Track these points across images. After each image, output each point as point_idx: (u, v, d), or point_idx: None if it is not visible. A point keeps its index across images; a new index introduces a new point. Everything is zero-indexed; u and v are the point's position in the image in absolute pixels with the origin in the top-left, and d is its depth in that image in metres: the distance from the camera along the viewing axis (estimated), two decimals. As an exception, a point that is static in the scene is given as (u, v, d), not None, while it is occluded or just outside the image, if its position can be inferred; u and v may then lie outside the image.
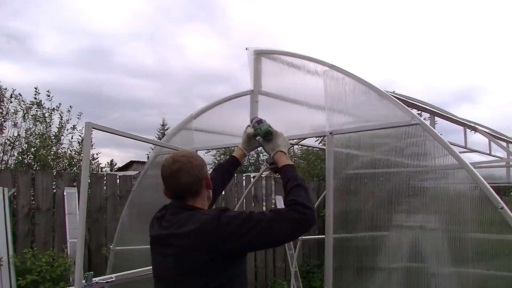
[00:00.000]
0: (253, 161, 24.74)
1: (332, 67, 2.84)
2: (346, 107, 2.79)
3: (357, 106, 2.75)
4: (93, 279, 2.76)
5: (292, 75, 3.16)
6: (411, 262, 2.57)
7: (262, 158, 23.11)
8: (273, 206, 9.79)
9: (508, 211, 2.03)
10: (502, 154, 6.69)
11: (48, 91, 8.97)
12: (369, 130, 2.66)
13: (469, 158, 6.24)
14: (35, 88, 8.89)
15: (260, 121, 2.71)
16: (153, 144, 4.34)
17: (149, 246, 2.37)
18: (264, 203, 9.69)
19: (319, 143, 8.12)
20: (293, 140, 3.18)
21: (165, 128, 49.16)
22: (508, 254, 2.18)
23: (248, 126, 2.84)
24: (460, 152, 7.50)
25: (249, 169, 23.77)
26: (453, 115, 4.78)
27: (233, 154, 2.86)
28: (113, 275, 3.04)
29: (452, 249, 2.37)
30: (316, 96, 2.96)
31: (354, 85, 2.72)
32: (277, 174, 2.68)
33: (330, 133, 2.83)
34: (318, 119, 2.95)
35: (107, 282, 2.99)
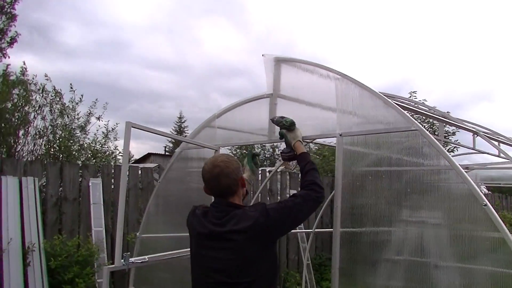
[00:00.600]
0: (268, 156, 25.03)
1: (343, 75, 3.18)
2: (354, 112, 3.14)
3: (364, 112, 3.08)
4: (131, 259, 3.13)
5: (307, 81, 3.52)
6: (412, 256, 2.87)
7: (277, 153, 23.38)
8: (287, 200, 10.10)
9: (491, 208, 2.32)
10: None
11: (71, 85, 9.39)
12: (375, 133, 3.00)
13: (484, 158, 6.48)
14: (45, 75, 9.25)
15: (282, 117, 3.26)
16: (182, 141, 4.67)
17: (174, 234, 2.78)
18: (279, 197, 10.00)
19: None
20: (308, 139, 3.51)
21: (182, 121, 49.71)
22: (491, 250, 2.46)
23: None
24: (469, 153, 7.78)
25: (265, 163, 24.05)
26: (458, 120, 5.07)
27: None
28: (145, 257, 3.42)
29: (444, 243, 2.69)
30: (328, 100, 3.32)
31: (362, 93, 3.06)
32: (290, 162, 3.31)
33: (340, 135, 3.17)
34: (329, 121, 3.30)
35: (141, 262, 3.37)
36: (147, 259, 3.40)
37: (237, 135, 4.07)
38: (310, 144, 10.84)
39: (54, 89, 9.18)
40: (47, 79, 9.24)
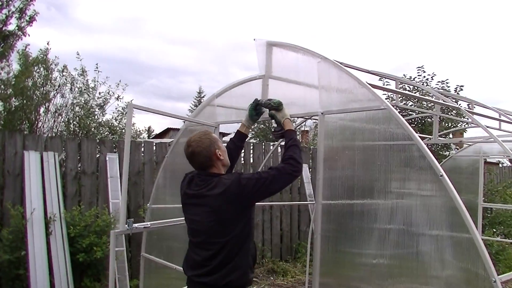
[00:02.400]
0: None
1: (324, 58, 3.46)
2: (334, 92, 3.43)
3: (343, 92, 3.35)
4: (134, 225, 3.53)
5: (294, 63, 3.81)
6: (384, 224, 3.17)
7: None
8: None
9: (447, 179, 2.59)
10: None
11: (97, 65, 9.76)
12: (351, 112, 3.29)
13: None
14: (77, 53, 9.63)
15: (269, 99, 3.55)
16: (185, 120, 5.00)
17: (180, 205, 3.16)
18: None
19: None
20: (294, 117, 3.82)
21: (202, 96, 50.09)
22: (448, 217, 2.73)
23: (251, 104, 3.70)
24: (473, 127, 7.92)
25: (271, 137, 24.28)
26: (452, 95, 5.30)
27: (239, 130, 3.72)
28: (148, 223, 3.83)
29: (411, 212, 2.99)
30: (312, 81, 3.61)
31: (340, 74, 3.33)
32: (280, 139, 3.47)
33: (322, 113, 3.47)
34: (313, 100, 3.59)
35: (144, 227, 3.78)
36: (149, 225, 3.79)
37: (235, 113, 4.39)
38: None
39: (82, 70, 9.54)
40: (78, 58, 9.65)
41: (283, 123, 3.42)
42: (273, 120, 3.54)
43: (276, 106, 3.44)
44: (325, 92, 3.47)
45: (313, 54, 3.55)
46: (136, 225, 3.64)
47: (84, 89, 9.34)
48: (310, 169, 10.56)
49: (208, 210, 2.95)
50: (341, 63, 3.53)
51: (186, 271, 3.15)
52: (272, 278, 8.74)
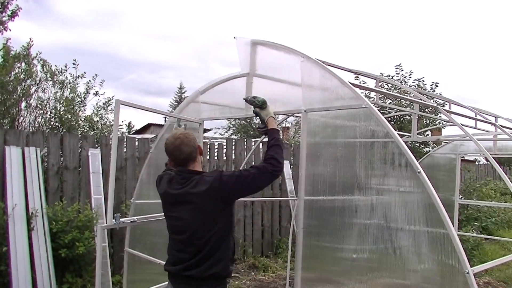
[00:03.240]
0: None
1: (307, 57, 3.56)
2: (317, 90, 3.53)
3: (325, 90, 3.45)
4: (121, 219, 3.63)
5: (278, 62, 3.91)
6: (364, 219, 3.28)
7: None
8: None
9: (425, 175, 2.70)
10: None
11: (75, 60, 9.68)
12: (333, 110, 3.40)
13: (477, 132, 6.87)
14: (74, 60, 9.57)
15: (254, 96, 3.57)
16: (171, 116, 5.05)
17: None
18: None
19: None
20: (278, 114, 3.91)
21: (183, 91, 49.90)
22: (425, 213, 2.85)
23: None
24: (449, 125, 8.13)
25: (256, 133, 24.35)
26: (428, 93, 5.44)
27: None
28: (135, 217, 3.91)
29: (391, 207, 3.11)
30: (296, 79, 3.70)
31: (323, 73, 3.42)
32: (263, 135, 3.61)
33: (305, 111, 3.56)
34: (296, 98, 3.68)
35: (131, 222, 3.85)
36: (136, 220, 3.86)
37: (219, 109, 4.46)
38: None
39: (63, 69, 9.49)
40: (74, 66, 9.62)
41: (267, 121, 3.47)
42: (257, 117, 3.61)
43: (260, 104, 3.51)
44: (308, 91, 3.57)
45: (296, 53, 3.65)
46: (123, 219, 3.71)
47: (66, 84, 9.27)
48: (292, 166, 10.67)
49: (193, 207, 3.05)
50: (323, 62, 3.63)
51: (168, 267, 3.23)
52: (253, 273, 8.83)
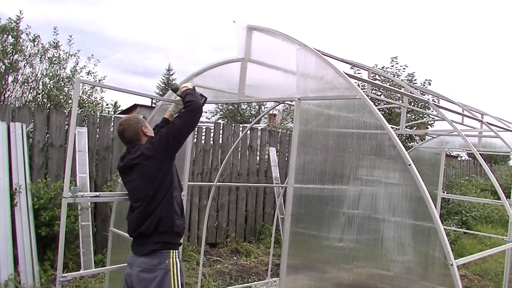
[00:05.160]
0: (254, 113, 25.30)
1: (303, 45, 3.55)
2: (312, 79, 3.53)
3: (320, 79, 3.45)
4: (81, 193, 3.66)
5: (274, 48, 3.90)
6: (351, 209, 3.33)
7: (263, 110, 23.64)
8: (266, 156, 10.53)
9: (415, 168, 2.74)
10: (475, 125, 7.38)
11: (70, 36, 9.56)
12: (327, 99, 3.41)
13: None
14: (54, 28, 9.41)
15: (172, 84, 4.07)
16: (159, 99, 5.05)
17: None
18: (258, 153, 10.42)
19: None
20: (271, 101, 3.93)
21: (171, 73, 49.52)
22: (412, 205, 2.90)
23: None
24: (438, 120, 8.22)
25: (250, 120, 24.31)
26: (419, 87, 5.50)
27: (165, 116, 4.16)
28: (98, 192, 3.98)
29: (379, 198, 3.15)
30: (290, 66, 3.70)
31: (318, 62, 3.43)
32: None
33: (299, 99, 3.57)
34: (290, 86, 3.69)
35: (91, 197, 4.22)
36: (99, 195, 4.03)
37: (212, 93, 4.46)
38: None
39: (55, 43, 9.33)
40: (55, 33, 9.47)
41: (181, 93, 3.89)
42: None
43: (173, 91, 4.02)
44: (302, 78, 3.57)
45: (292, 40, 3.64)
46: (83, 193, 3.77)
47: (55, 61, 9.14)
48: (278, 153, 10.70)
49: (136, 172, 3.56)
50: (318, 51, 3.63)
51: (130, 232, 3.68)
52: (235, 258, 8.89)
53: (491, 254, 4.25)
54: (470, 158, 20.75)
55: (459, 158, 21.38)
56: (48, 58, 9.06)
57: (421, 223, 2.85)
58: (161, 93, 44.26)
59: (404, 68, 13.28)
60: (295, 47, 3.61)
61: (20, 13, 8.92)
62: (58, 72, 9.13)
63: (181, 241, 3.79)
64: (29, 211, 6.29)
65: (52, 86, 8.78)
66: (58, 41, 9.36)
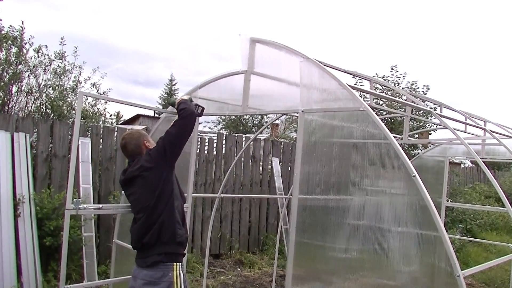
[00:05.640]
0: (256, 123, 25.35)
1: (306, 58, 3.58)
2: (315, 91, 3.55)
3: (323, 91, 3.47)
4: (83, 205, 3.76)
5: (277, 61, 3.93)
6: (356, 220, 3.33)
7: (265, 120, 23.68)
8: (269, 166, 10.52)
9: (419, 179, 2.74)
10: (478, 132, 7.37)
11: (76, 47, 9.60)
12: (331, 111, 3.43)
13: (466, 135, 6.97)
14: (61, 38, 9.45)
15: (170, 99, 3.98)
16: (162, 112, 5.08)
17: None
18: (261, 163, 10.42)
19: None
20: (276, 113, 3.95)
21: (173, 83, 49.65)
22: (417, 215, 2.90)
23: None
24: (441, 128, 8.22)
25: (253, 129, 24.35)
26: (420, 96, 5.50)
27: None
28: (101, 205, 4.03)
29: (384, 209, 3.15)
30: (294, 79, 3.72)
31: (322, 74, 3.45)
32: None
33: (302, 111, 3.58)
34: (294, 98, 3.71)
35: (94, 209, 4.28)
36: (102, 207, 4.16)
37: (216, 105, 4.48)
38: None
39: (61, 53, 9.36)
40: (62, 44, 9.51)
41: (177, 106, 3.94)
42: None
43: (171, 105, 4.18)
44: (306, 91, 3.59)
45: (296, 53, 3.67)
46: (85, 205, 3.84)
47: (60, 72, 9.16)
48: (281, 163, 10.69)
49: (137, 184, 3.64)
50: (320, 62, 3.64)
51: (133, 244, 3.71)
52: (239, 269, 8.87)
53: (498, 263, 4.22)
54: (473, 165, 20.71)
55: (462, 165, 21.33)
56: (53, 69, 9.08)
57: (426, 232, 2.84)
58: (164, 103, 44.36)
59: (404, 76, 13.37)
60: (298, 59, 3.64)
61: (22, 23, 8.96)
62: (62, 83, 9.15)
63: (185, 251, 3.79)
64: (32, 221, 6.28)
65: (56, 97, 8.80)
66: (65, 52, 9.39)
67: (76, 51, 9.55)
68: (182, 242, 3.66)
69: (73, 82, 9.51)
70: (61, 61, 9.27)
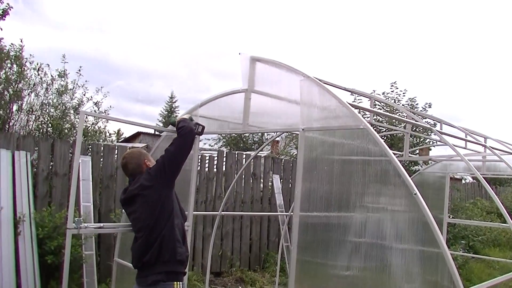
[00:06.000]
0: (257, 140, 25.33)
1: (306, 76, 3.61)
2: (315, 109, 3.58)
3: (324, 109, 3.50)
4: (84, 224, 3.80)
5: (277, 79, 3.97)
6: (357, 237, 3.32)
7: (265, 137, 23.68)
8: (270, 183, 10.51)
9: (420, 197, 2.74)
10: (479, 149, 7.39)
11: (80, 67, 9.64)
12: (331, 129, 3.45)
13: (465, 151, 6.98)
14: (63, 56, 9.50)
15: (170, 118, 4.01)
16: (163, 131, 5.14)
17: None
18: (262, 181, 10.41)
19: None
20: (276, 131, 3.98)
21: (173, 101, 49.81)
22: (419, 232, 2.90)
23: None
24: (441, 144, 8.24)
25: (253, 147, 24.31)
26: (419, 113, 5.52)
27: None
28: (102, 224, 4.05)
29: (385, 226, 3.14)
30: (294, 97, 3.75)
31: (322, 92, 3.48)
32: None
33: (303, 129, 3.61)
34: (294, 116, 3.73)
35: (95, 228, 4.28)
36: (103, 226, 4.18)
37: (216, 123, 4.51)
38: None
39: (63, 72, 9.42)
40: (64, 62, 9.58)
41: (177, 124, 4.01)
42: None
43: (173, 124, 4.18)
44: (306, 109, 3.62)
45: (296, 71, 3.71)
46: (86, 224, 3.88)
47: (63, 91, 9.20)
48: (281, 180, 10.68)
49: (137, 202, 3.67)
50: (320, 80, 3.68)
51: (134, 263, 3.72)
52: (240, 287, 8.80)
53: (502, 281, 4.20)
54: (474, 181, 20.69)
55: (463, 181, 21.31)
56: (56, 88, 9.13)
57: (428, 249, 2.84)
58: (164, 120, 44.43)
59: (404, 93, 13.46)
60: (298, 77, 3.68)
61: (21, 41, 9.03)
62: (64, 101, 9.19)
63: (186, 270, 3.77)
64: (32, 240, 6.25)
65: (57, 116, 8.83)
66: (66, 70, 9.44)
67: (80, 70, 9.61)
68: (182, 260, 3.65)
69: (76, 101, 9.55)
70: (62, 79, 9.32)
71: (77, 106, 9.42)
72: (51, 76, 9.17)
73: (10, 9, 9.67)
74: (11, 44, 8.91)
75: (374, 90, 13.65)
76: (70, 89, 9.35)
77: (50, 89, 9.09)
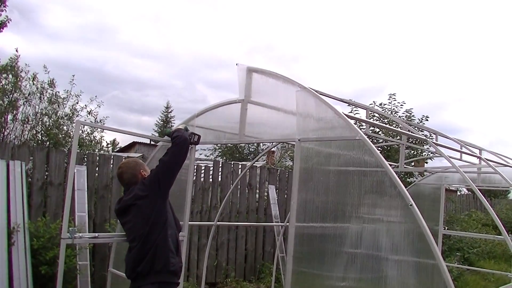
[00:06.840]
0: (253, 150, 25.34)
1: (302, 87, 3.63)
2: (311, 120, 3.59)
3: (320, 120, 3.51)
4: (79, 234, 3.78)
5: (273, 90, 3.98)
6: (352, 248, 3.32)
7: (261, 147, 23.68)
8: (266, 194, 10.48)
9: (416, 208, 2.75)
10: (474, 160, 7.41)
11: (73, 76, 9.64)
12: (327, 140, 3.46)
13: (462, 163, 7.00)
14: (44, 66, 9.46)
15: (165, 130, 4.15)
16: (159, 140, 5.13)
17: None
18: (257, 191, 10.38)
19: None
20: (272, 142, 3.99)
21: (169, 111, 49.83)
22: (414, 243, 2.90)
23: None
24: (437, 156, 8.24)
25: (249, 157, 24.30)
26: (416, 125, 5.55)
27: None
28: (97, 234, 4.04)
29: (381, 237, 3.14)
30: (290, 108, 3.76)
31: (318, 103, 3.49)
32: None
33: (299, 140, 3.61)
34: (291, 127, 3.74)
35: (90, 238, 4.16)
36: (97, 236, 4.14)
37: (213, 133, 4.52)
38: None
39: (51, 81, 9.40)
40: (46, 71, 9.54)
41: (172, 135, 4.00)
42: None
43: (168, 135, 4.12)
44: (302, 119, 3.64)
45: (292, 82, 3.73)
46: (81, 234, 3.84)
47: (54, 100, 9.19)
48: (277, 190, 10.66)
49: (131, 212, 3.67)
50: (317, 91, 3.69)
51: (127, 274, 3.71)
52: (235, 297, 8.75)
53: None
54: (469, 192, 20.72)
55: (458, 193, 21.33)
56: (47, 97, 9.12)
57: (423, 260, 2.84)
58: (160, 130, 44.39)
59: (401, 105, 13.51)
60: (295, 88, 3.70)
61: (17, 51, 9.03)
62: (57, 111, 9.17)
63: (179, 280, 3.76)
64: (26, 250, 6.21)
65: (51, 125, 8.81)
66: (53, 79, 9.43)
67: (72, 79, 9.62)
68: (175, 271, 3.65)
69: (69, 110, 9.54)
70: (51, 88, 9.30)
71: (70, 115, 9.40)
72: (41, 86, 9.16)
73: (8, 22, 9.70)
74: (10, 58, 8.94)
75: (374, 102, 13.73)
76: (63, 98, 9.33)
77: (43, 98, 9.07)
